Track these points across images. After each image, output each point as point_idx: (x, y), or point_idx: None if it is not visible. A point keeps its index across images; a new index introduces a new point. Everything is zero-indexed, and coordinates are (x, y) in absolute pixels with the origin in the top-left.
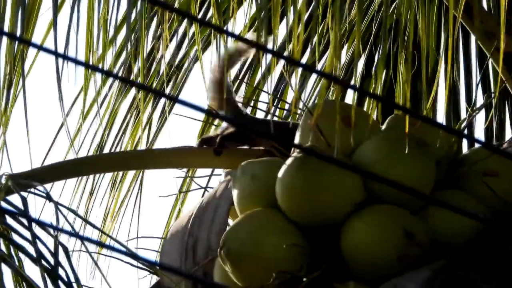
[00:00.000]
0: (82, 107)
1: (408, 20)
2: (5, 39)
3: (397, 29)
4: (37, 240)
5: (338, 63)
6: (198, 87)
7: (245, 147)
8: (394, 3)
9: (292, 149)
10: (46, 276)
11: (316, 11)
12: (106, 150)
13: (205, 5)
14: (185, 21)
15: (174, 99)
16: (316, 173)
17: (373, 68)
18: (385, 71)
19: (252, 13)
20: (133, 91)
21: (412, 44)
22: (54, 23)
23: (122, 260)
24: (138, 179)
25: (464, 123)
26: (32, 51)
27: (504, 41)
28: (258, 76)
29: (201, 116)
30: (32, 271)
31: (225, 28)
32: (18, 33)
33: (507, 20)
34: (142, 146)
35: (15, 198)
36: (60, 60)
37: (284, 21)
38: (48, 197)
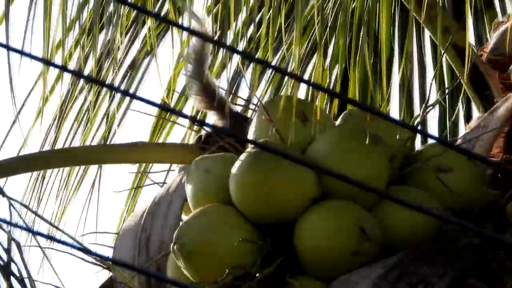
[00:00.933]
0: (40, 101)
1: (363, 14)
2: None
3: (351, 23)
4: None
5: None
6: (152, 82)
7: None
8: None
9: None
10: None
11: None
12: (60, 145)
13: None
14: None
15: (128, 94)
16: (270, 169)
17: (328, 62)
18: (338, 65)
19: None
20: (87, 87)
21: (367, 38)
22: (6, 16)
23: (75, 255)
24: (92, 174)
25: (418, 119)
26: None
27: (458, 35)
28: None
29: (155, 111)
30: None
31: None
32: None
33: (460, 13)
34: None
35: None
36: (14, 54)
37: (241, 16)
38: (1, 192)
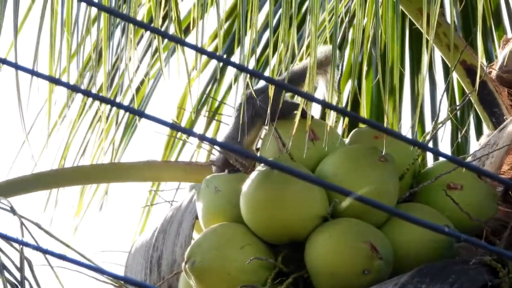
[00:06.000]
0: (47, 121)
1: (371, 30)
2: None
3: (362, 39)
4: (2, 254)
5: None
6: (162, 101)
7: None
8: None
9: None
10: None
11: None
12: (70, 164)
13: (167, 20)
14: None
15: (138, 113)
16: (280, 187)
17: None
18: (350, 82)
19: (215, 26)
20: (97, 105)
21: (378, 55)
22: (14, 36)
23: (87, 274)
24: (103, 192)
25: (429, 136)
26: None
27: (467, 53)
28: (222, 89)
29: (166, 130)
30: None
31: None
32: None
33: (469, 31)
34: (107, 159)
35: None
36: (24, 74)
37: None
38: (13, 211)
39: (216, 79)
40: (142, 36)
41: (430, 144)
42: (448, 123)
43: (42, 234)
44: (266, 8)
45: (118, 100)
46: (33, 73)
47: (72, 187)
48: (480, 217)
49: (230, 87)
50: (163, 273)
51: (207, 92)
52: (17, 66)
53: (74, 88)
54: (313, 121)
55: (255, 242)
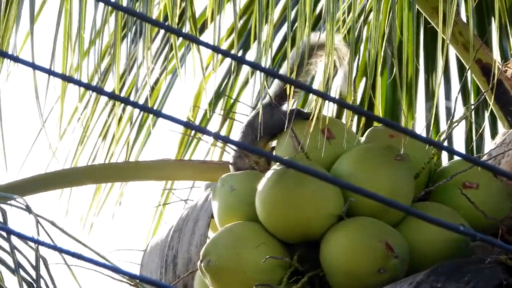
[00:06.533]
0: (59, 120)
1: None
2: None
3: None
4: (18, 252)
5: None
6: (176, 99)
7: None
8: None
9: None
10: None
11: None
12: (84, 162)
13: (183, 17)
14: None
15: (152, 112)
16: (295, 186)
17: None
18: (364, 79)
19: (229, 25)
20: (111, 103)
21: (392, 53)
22: (31, 34)
23: (102, 273)
24: (118, 191)
25: (444, 135)
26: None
27: (482, 51)
28: (238, 85)
29: (180, 128)
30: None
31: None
32: None
33: (484, 29)
34: (121, 159)
35: None
36: (38, 72)
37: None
38: (28, 209)
39: (231, 75)
40: (158, 32)
41: (445, 143)
42: (463, 122)
43: (58, 232)
44: (280, 5)
45: (132, 98)
46: (49, 72)
47: (86, 186)
48: (495, 216)
49: (246, 83)
50: (179, 272)
51: (221, 89)
52: (34, 66)
53: (88, 87)
54: (328, 120)
55: (270, 241)
